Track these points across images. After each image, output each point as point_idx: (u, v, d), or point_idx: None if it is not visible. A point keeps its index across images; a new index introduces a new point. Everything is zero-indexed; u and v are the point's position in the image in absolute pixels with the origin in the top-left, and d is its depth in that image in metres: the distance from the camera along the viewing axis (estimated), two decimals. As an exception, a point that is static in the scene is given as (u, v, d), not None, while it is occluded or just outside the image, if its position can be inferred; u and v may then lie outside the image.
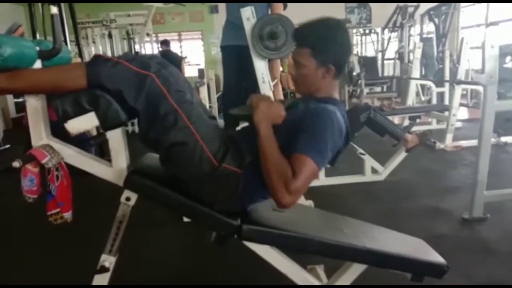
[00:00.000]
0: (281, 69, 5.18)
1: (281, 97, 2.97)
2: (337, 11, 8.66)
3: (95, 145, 3.51)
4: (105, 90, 1.15)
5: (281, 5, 2.62)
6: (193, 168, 1.19)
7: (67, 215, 1.28)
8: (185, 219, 2.31)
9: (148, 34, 6.64)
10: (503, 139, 4.11)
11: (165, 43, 7.17)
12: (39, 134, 1.26)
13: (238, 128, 1.44)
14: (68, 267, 1.99)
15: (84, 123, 1.17)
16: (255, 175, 1.20)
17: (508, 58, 5.63)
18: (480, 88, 4.18)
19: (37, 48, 1.21)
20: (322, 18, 1.30)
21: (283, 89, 5.95)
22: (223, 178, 1.20)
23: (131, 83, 1.13)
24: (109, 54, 6.59)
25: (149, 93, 1.13)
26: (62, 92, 1.18)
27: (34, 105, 1.24)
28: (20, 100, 5.75)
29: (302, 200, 2.51)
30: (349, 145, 2.93)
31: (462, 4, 6.81)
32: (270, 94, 2.25)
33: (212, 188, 1.22)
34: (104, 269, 1.28)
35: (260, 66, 2.21)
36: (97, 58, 1.17)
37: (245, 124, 1.38)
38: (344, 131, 1.23)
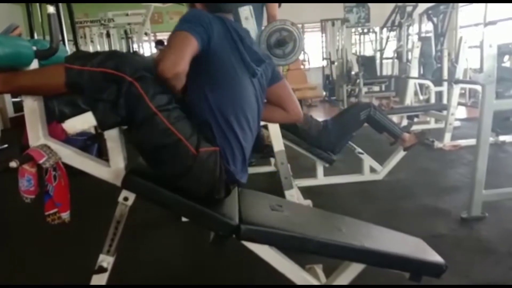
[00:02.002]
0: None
1: None
2: (335, 10, 8.67)
3: (91, 144, 3.51)
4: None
5: (276, 4, 2.62)
6: (180, 165, 1.19)
7: (65, 215, 1.28)
8: (184, 219, 2.31)
9: (146, 34, 6.63)
10: (502, 138, 4.11)
11: (161, 43, 7.14)
12: (37, 134, 1.26)
13: None
14: (67, 267, 1.98)
15: (81, 123, 1.17)
16: (227, 135, 1.24)
17: (506, 57, 5.65)
18: (478, 87, 4.19)
19: (34, 48, 1.21)
20: None
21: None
22: (206, 161, 1.21)
23: (110, 91, 1.12)
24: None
25: (127, 97, 1.12)
26: (49, 96, 1.17)
27: (31, 106, 1.23)
28: (18, 99, 5.74)
29: (300, 200, 2.51)
30: (347, 144, 2.95)
31: (461, 4, 6.81)
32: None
33: (203, 176, 1.22)
34: (102, 269, 1.27)
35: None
36: (70, 71, 1.13)
37: None
38: (205, 15, 1.24)
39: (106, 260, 1.28)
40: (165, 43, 7.34)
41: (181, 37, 1.16)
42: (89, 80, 1.11)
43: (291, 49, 2.11)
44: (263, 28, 2.21)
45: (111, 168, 1.29)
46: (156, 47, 7.07)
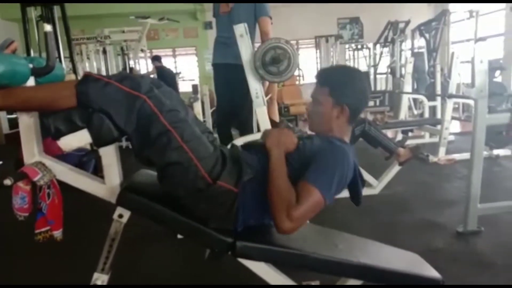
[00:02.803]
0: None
1: (277, 115, 3.00)
2: (329, 27, 8.80)
3: (88, 161, 3.49)
4: (95, 110, 1.15)
5: (268, 19, 2.66)
6: (188, 186, 1.19)
7: (57, 233, 1.27)
8: (179, 236, 2.29)
9: (142, 50, 6.68)
10: (495, 152, 4.14)
11: (158, 59, 7.11)
12: (32, 151, 1.25)
13: (240, 144, 1.44)
14: (61, 284, 1.95)
15: (77, 140, 1.17)
16: (252, 195, 1.22)
17: (497, 73, 5.73)
18: (471, 102, 4.23)
19: (30, 65, 1.21)
20: (345, 65, 1.36)
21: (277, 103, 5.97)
22: (218, 196, 1.20)
23: (121, 105, 1.14)
24: (103, 70, 6.60)
25: (140, 114, 1.14)
26: (53, 111, 1.18)
27: (27, 122, 1.23)
28: (14, 116, 5.73)
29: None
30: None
31: (452, 19, 6.93)
32: (264, 109, 2.27)
33: (207, 205, 1.21)
34: (96, 288, 1.26)
35: (254, 82, 2.23)
36: (87, 78, 1.17)
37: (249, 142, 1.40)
38: (351, 171, 1.26)
39: (100, 279, 1.26)
40: (160, 61, 7.24)
41: (318, 204, 1.16)
42: (102, 90, 1.13)
43: (286, 67, 2.14)
44: (257, 45, 2.25)
45: (106, 185, 1.29)
46: (153, 62, 7.09)
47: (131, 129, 1.15)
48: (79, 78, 1.19)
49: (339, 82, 1.33)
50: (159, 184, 1.26)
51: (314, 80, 1.42)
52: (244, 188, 1.22)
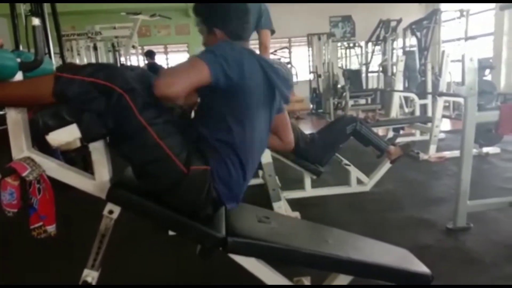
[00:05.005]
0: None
1: None
2: (321, 25, 8.82)
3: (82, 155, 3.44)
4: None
5: (269, 33, 2.58)
6: (167, 181, 1.19)
7: (51, 228, 1.25)
8: (171, 232, 2.28)
9: (133, 47, 6.62)
10: (485, 149, 4.19)
11: (150, 54, 7.05)
12: (20, 147, 1.24)
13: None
14: (51, 282, 1.93)
15: (65, 135, 1.15)
16: (220, 158, 1.22)
17: (487, 71, 5.80)
18: (461, 100, 4.27)
19: (18, 60, 1.20)
20: None
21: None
22: (196, 180, 1.20)
23: (97, 102, 1.11)
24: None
25: (116, 110, 1.12)
26: (34, 106, 1.16)
27: (15, 118, 1.22)
28: (2, 113, 5.64)
29: (288, 212, 2.51)
30: (334, 156, 2.98)
31: (443, 18, 6.99)
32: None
33: (191, 194, 1.21)
34: (86, 285, 1.25)
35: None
36: (59, 79, 1.12)
37: None
38: (240, 54, 1.22)
39: (90, 275, 1.25)
40: (152, 57, 7.16)
41: (192, 63, 1.16)
42: (78, 89, 1.11)
43: None
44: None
45: (96, 181, 1.28)
46: (146, 59, 7.04)
47: (111, 124, 1.13)
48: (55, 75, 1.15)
49: (203, 8, 1.34)
50: (137, 181, 1.25)
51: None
52: (212, 159, 1.22)
